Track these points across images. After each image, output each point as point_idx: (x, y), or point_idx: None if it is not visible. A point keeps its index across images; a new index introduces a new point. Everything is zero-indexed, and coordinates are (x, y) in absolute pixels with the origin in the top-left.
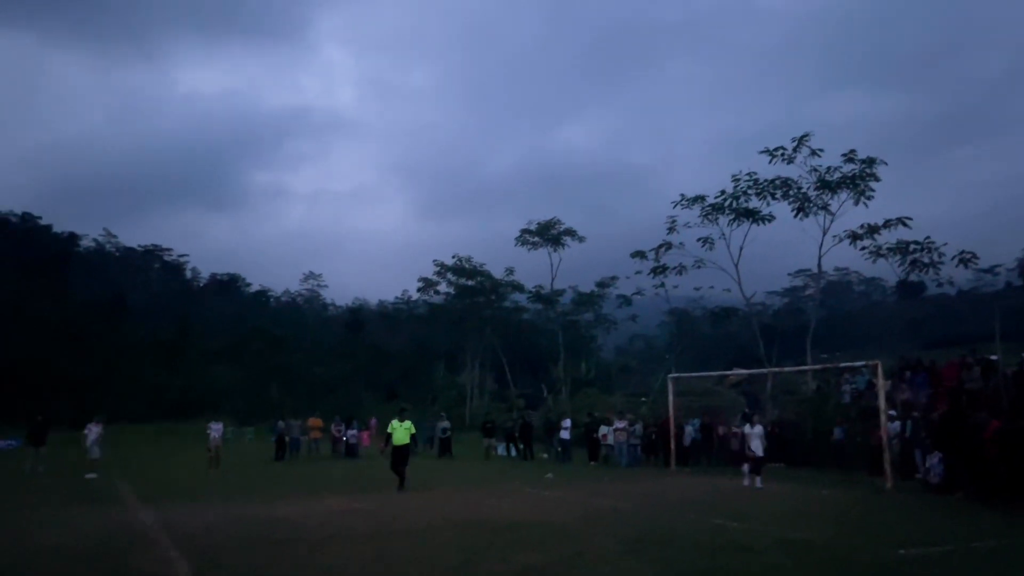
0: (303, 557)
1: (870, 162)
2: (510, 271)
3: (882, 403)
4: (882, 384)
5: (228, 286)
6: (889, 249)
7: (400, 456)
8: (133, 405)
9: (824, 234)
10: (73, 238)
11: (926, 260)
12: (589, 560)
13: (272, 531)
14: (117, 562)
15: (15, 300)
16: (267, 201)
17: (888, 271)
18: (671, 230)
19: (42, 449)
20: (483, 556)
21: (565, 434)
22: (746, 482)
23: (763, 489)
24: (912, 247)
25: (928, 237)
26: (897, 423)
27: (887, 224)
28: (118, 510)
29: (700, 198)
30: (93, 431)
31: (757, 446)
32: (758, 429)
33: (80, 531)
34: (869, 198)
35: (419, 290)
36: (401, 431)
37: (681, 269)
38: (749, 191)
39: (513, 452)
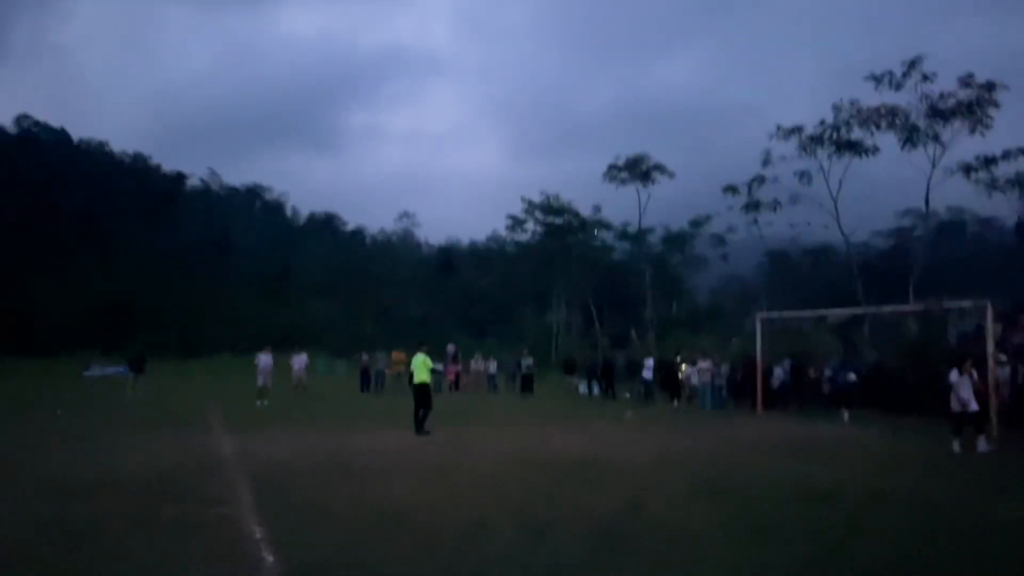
0: (365, 488)
1: (990, 87)
2: (598, 208)
3: (991, 347)
4: (991, 327)
5: (326, 224)
6: (1008, 182)
7: (419, 397)
8: (237, 338)
9: (933, 167)
10: (180, 177)
11: None
12: (657, 505)
13: (343, 461)
14: (185, 487)
15: (127, 237)
16: (364, 141)
17: (1007, 210)
18: (766, 163)
19: (141, 376)
20: (544, 497)
21: (648, 374)
22: (956, 447)
23: (993, 452)
24: None
25: None
26: (1007, 369)
27: (1006, 155)
28: (202, 437)
29: (798, 129)
30: (263, 360)
31: (970, 397)
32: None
33: (162, 456)
34: (987, 127)
35: (507, 228)
36: (420, 368)
37: (775, 205)
38: (851, 121)
39: (595, 390)
